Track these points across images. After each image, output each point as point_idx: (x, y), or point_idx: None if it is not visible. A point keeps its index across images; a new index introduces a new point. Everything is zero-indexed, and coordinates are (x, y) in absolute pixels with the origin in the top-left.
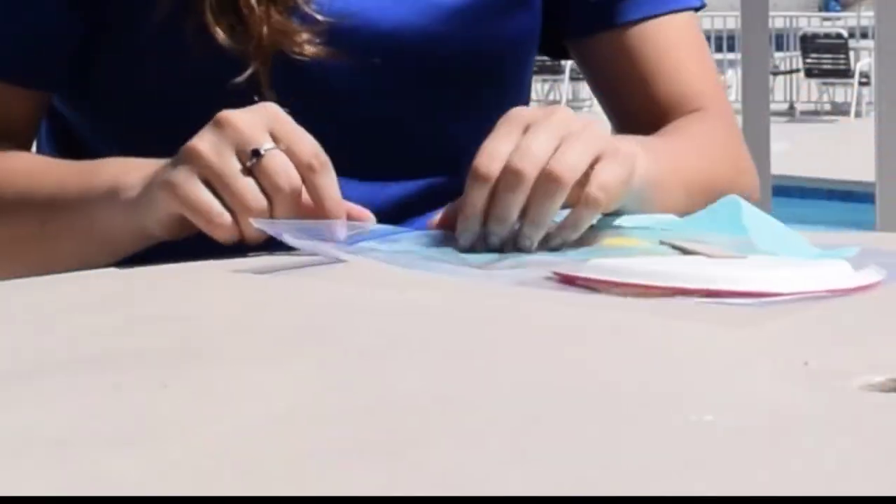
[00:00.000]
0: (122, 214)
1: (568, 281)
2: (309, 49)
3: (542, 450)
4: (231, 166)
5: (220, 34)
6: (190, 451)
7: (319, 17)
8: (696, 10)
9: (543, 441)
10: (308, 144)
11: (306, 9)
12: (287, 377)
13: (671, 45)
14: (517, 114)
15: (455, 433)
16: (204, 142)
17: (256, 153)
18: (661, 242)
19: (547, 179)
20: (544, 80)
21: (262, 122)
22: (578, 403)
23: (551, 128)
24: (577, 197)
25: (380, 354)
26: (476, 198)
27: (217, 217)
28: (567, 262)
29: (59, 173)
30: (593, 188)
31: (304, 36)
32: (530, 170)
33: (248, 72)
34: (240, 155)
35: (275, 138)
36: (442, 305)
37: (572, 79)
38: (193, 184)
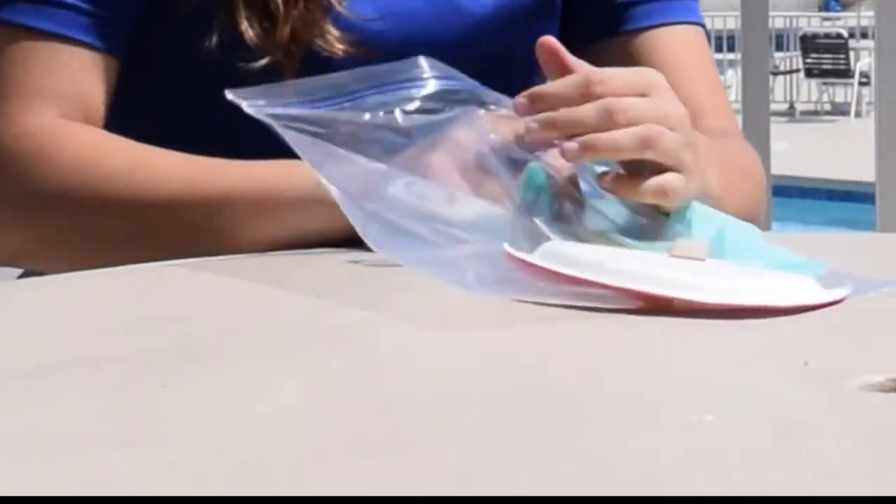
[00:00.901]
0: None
1: (516, 263)
2: (339, 46)
3: (546, 450)
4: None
5: (249, 32)
6: (190, 451)
7: (351, 17)
8: (703, 28)
9: (547, 441)
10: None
11: (339, 8)
12: (288, 377)
13: (680, 56)
14: (659, 80)
15: (461, 433)
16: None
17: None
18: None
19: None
20: None
21: None
22: (581, 404)
23: (667, 113)
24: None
25: (384, 354)
26: (567, 94)
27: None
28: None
29: (237, 168)
30: (653, 184)
31: (335, 34)
32: (620, 120)
33: (263, 62)
34: None
35: None
36: (447, 306)
37: None
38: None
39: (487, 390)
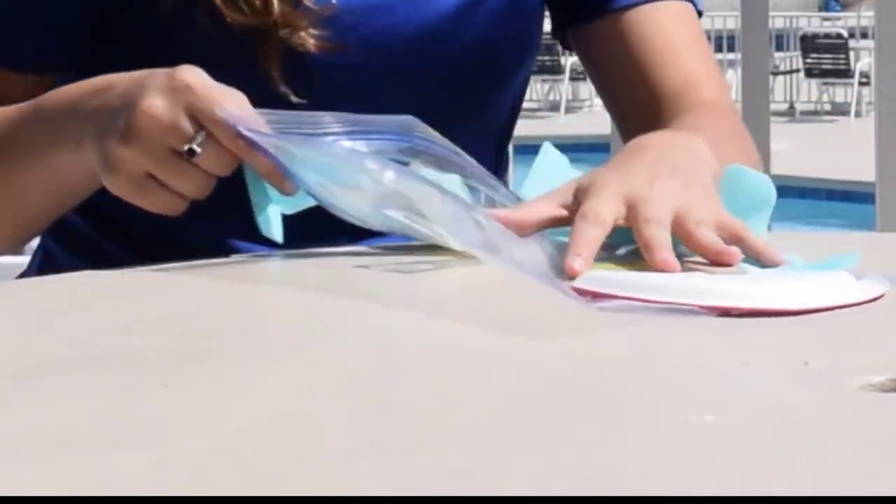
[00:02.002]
0: (78, 157)
1: (581, 293)
2: (311, 42)
3: (546, 450)
4: (169, 165)
5: (234, 16)
6: (190, 451)
7: (321, 10)
8: (694, 5)
9: (547, 441)
10: (225, 131)
11: (307, 2)
12: (288, 377)
13: (669, 30)
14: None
15: (460, 433)
16: (138, 138)
17: (191, 152)
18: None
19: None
20: (544, 81)
21: (180, 111)
22: (581, 404)
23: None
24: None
25: (385, 354)
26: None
27: (162, 208)
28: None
29: (10, 120)
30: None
31: (307, 29)
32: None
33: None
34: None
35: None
36: (447, 306)
37: (572, 79)
38: (139, 180)
39: (487, 390)
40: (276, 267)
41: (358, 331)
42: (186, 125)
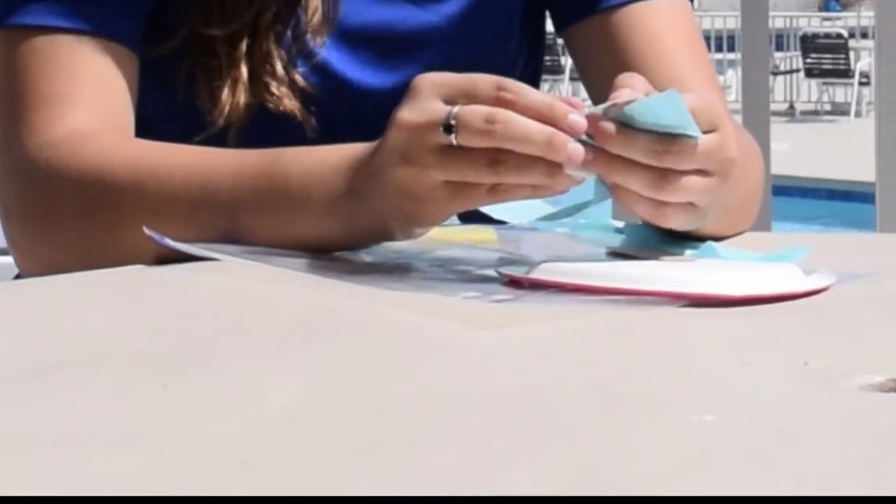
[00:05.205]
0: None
1: (515, 283)
2: (288, 104)
3: (545, 450)
4: (447, 160)
5: (205, 101)
6: (190, 451)
7: (301, 81)
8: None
9: (546, 441)
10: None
11: (292, 70)
12: (289, 377)
13: (660, 31)
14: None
15: (460, 434)
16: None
17: (448, 128)
18: (608, 252)
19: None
20: (544, 80)
21: (430, 107)
22: (580, 404)
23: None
24: None
25: (384, 354)
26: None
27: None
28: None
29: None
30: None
31: (284, 91)
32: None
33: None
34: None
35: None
36: (446, 307)
37: (572, 79)
38: (441, 194)
39: (487, 390)
40: (276, 267)
41: (358, 331)
42: (438, 113)
